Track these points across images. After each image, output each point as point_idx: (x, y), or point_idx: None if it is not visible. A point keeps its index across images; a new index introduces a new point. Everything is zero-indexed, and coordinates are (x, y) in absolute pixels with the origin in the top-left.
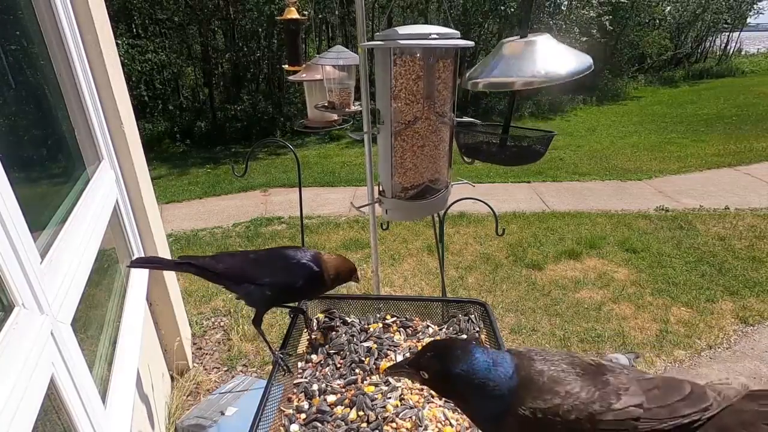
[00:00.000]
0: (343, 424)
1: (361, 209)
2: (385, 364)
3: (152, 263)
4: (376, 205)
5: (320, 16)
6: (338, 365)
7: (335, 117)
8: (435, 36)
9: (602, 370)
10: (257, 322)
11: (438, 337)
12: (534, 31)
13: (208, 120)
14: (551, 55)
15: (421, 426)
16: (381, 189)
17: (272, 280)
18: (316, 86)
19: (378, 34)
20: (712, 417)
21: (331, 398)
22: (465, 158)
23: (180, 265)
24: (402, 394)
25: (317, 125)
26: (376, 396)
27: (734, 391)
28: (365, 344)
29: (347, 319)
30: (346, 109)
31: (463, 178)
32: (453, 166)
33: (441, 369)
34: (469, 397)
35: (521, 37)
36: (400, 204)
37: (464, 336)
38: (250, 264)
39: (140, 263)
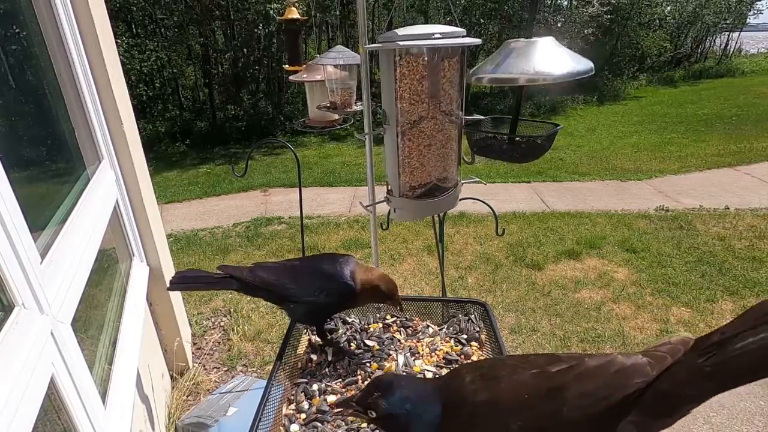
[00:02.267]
0: (343, 424)
1: (368, 208)
2: (387, 366)
3: (192, 282)
4: (381, 204)
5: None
6: (338, 365)
7: (336, 117)
8: (438, 36)
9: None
10: (320, 335)
11: (438, 338)
12: (537, 33)
13: (208, 120)
14: (554, 55)
15: None
16: (389, 188)
17: (311, 297)
18: (318, 86)
19: (381, 35)
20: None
21: (331, 398)
22: (465, 158)
23: (222, 281)
24: None
25: (318, 124)
26: None
27: (675, 348)
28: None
29: (347, 318)
30: (348, 109)
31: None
32: None
33: (388, 407)
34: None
35: (526, 38)
36: (408, 203)
37: (464, 336)
38: (289, 280)
39: (180, 282)
